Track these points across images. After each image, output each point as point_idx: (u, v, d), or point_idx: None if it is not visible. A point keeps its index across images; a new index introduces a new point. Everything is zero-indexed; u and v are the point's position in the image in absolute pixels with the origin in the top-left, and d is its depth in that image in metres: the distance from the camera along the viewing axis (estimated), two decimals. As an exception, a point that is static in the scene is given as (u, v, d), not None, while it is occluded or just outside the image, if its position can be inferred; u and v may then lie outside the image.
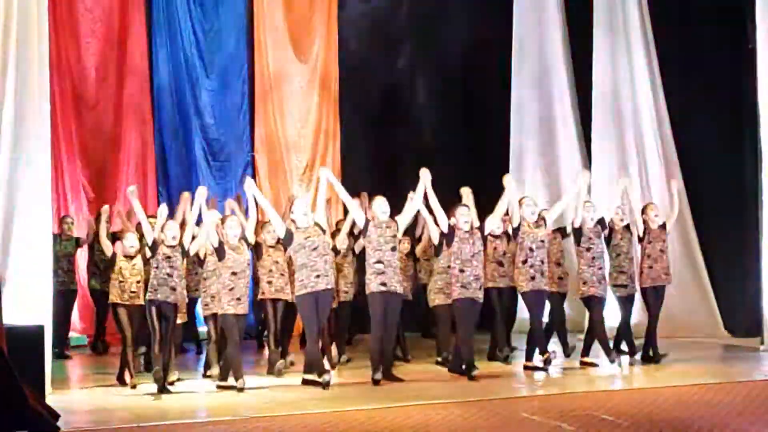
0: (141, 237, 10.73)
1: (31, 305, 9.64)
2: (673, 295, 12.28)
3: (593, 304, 11.34)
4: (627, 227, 11.81)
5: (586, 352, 11.48)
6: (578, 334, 13.90)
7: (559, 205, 11.63)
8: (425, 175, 10.57)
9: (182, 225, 10.66)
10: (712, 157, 14.30)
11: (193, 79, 15.59)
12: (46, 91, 10.20)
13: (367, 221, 10.46)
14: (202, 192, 10.30)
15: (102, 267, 12.64)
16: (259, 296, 11.49)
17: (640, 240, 11.72)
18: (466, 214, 10.71)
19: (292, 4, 16.15)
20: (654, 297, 11.68)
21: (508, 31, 16.26)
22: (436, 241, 10.91)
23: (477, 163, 16.07)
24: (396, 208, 10.67)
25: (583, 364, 11.39)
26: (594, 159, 14.91)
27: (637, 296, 11.92)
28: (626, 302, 11.78)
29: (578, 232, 11.32)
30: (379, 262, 10.33)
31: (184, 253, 10.25)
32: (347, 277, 12.05)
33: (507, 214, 12.39)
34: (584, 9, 15.11)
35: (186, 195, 11.52)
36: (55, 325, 10.43)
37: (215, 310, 10.55)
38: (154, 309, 10.01)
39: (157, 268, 10.02)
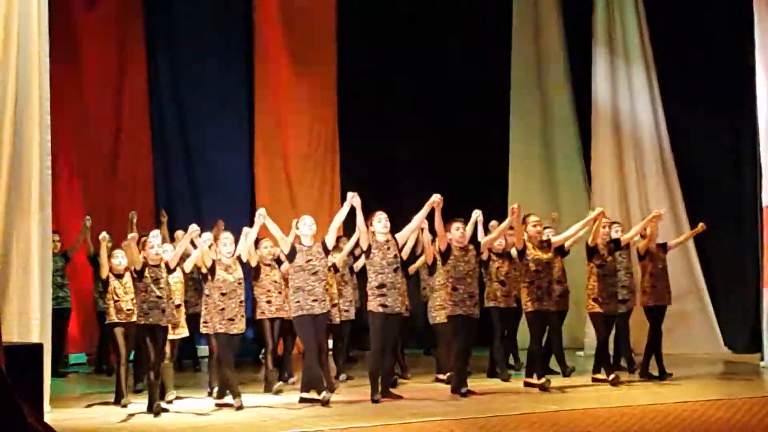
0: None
1: (30, 323, 9.62)
2: (673, 311, 12.27)
3: (599, 320, 11.30)
4: (627, 244, 11.83)
5: (597, 368, 11.44)
6: (578, 351, 13.97)
7: (565, 234, 11.58)
8: (435, 199, 10.36)
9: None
10: (711, 173, 14.33)
11: (192, 95, 15.56)
12: (46, 109, 10.20)
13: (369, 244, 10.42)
14: (193, 229, 10.20)
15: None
16: (258, 316, 11.44)
17: (641, 258, 11.69)
18: (461, 228, 10.68)
19: (292, 19, 16.15)
20: (657, 315, 11.65)
21: (507, 50, 16.31)
22: (430, 261, 10.97)
23: (477, 180, 16.07)
24: (395, 224, 10.62)
25: (595, 380, 11.36)
26: (594, 176, 14.95)
27: (637, 312, 11.93)
28: (625, 317, 11.78)
29: (591, 249, 11.29)
30: (381, 285, 10.29)
31: (170, 271, 10.17)
32: (345, 296, 12.01)
33: (512, 228, 12.45)
34: (584, 27, 15.18)
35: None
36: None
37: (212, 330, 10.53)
38: (147, 334, 9.94)
39: (145, 291, 9.92)
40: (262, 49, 15.97)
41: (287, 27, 16.12)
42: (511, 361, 12.56)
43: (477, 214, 10.95)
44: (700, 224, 12.31)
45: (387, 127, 16.55)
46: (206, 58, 15.67)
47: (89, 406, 10.63)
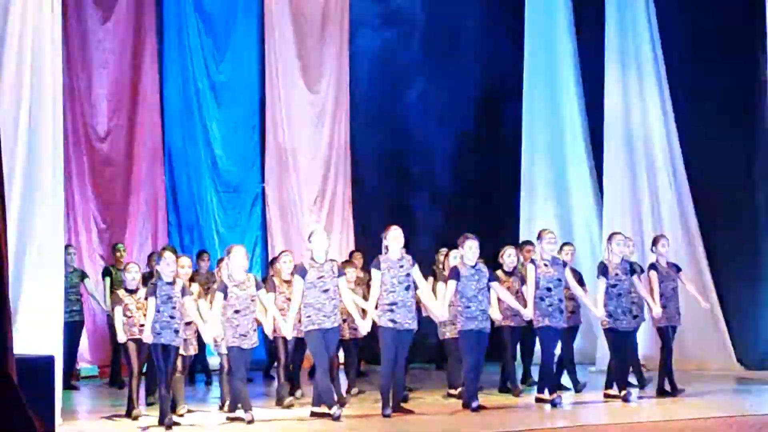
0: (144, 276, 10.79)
1: (42, 336, 9.63)
2: (685, 328, 12.21)
3: (613, 337, 11.26)
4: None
5: (609, 384, 11.40)
6: (590, 366, 13.91)
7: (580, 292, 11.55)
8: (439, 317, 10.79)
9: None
10: (724, 188, 14.24)
11: (204, 111, 15.64)
12: (59, 121, 10.22)
13: (379, 261, 10.38)
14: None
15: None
16: (272, 335, 11.30)
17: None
18: (473, 247, 10.62)
19: (303, 36, 16.20)
20: (668, 334, 11.60)
21: (519, 63, 16.31)
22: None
23: (488, 194, 16.07)
24: (407, 240, 10.58)
25: (607, 396, 11.33)
26: (605, 190, 14.90)
27: (648, 329, 11.90)
28: (634, 333, 11.74)
29: (604, 268, 11.27)
30: (392, 303, 10.24)
31: (184, 293, 10.03)
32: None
33: (528, 245, 12.41)
34: (596, 41, 15.15)
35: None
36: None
37: (222, 349, 10.51)
38: (159, 351, 9.88)
39: (158, 312, 9.82)
40: (273, 63, 16.00)
41: (299, 39, 16.15)
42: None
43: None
44: (707, 304, 12.19)
45: (398, 144, 16.56)
46: (218, 74, 15.73)
47: (102, 418, 10.63)
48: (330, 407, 10.08)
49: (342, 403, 10.54)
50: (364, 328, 10.49)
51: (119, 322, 10.62)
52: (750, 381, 12.96)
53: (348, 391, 11.90)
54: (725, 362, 13.89)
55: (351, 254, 13.62)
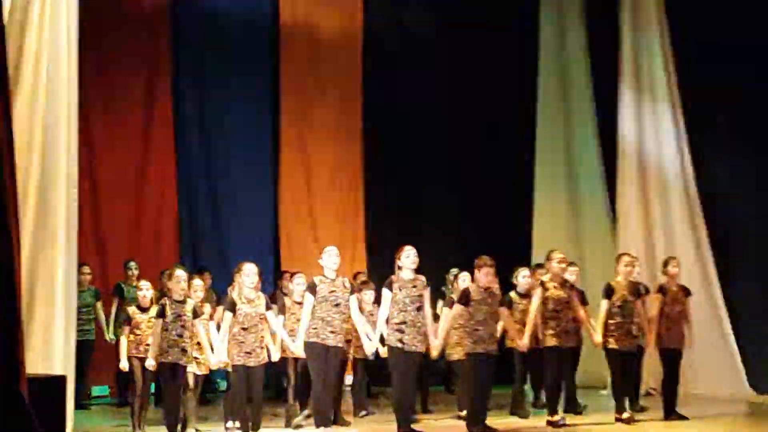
0: (157, 296, 10.80)
1: (54, 355, 9.66)
2: (697, 351, 12.16)
3: (615, 357, 11.23)
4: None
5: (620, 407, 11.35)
6: (601, 390, 13.85)
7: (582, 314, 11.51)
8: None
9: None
10: (738, 212, 14.23)
11: (218, 132, 15.65)
12: (74, 139, 10.28)
13: (392, 281, 10.31)
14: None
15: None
16: (281, 355, 11.14)
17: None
18: (490, 274, 10.57)
19: (318, 56, 16.26)
20: (672, 357, 11.55)
21: (533, 87, 16.34)
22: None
23: (501, 219, 16.04)
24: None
25: (619, 420, 11.22)
26: (619, 216, 14.88)
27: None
28: (637, 356, 11.71)
29: (609, 290, 11.24)
30: (402, 322, 10.16)
31: (196, 314, 10.01)
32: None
33: (541, 267, 12.37)
34: (610, 63, 15.16)
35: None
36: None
37: (228, 368, 10.49)
38: (167, 370, 9.85)
39: (166, 330, 9.79)
40: (288, 86, 16.07)
41: (313, 63, 16.22)
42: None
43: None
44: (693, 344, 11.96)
45: (411, 164, 16.57)
46: (232, 96, 15.71)
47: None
48: (318, 426, 10.01)
49: (344, 424, 10.49)
50: (368, 350, 10.50)
51: (123, 349, 10.58)
52: (761, 405, 12.88)
53: (356, 413, 11.87)
54: (737, 386, 13.82)
55: (356, 275, 13.55)
